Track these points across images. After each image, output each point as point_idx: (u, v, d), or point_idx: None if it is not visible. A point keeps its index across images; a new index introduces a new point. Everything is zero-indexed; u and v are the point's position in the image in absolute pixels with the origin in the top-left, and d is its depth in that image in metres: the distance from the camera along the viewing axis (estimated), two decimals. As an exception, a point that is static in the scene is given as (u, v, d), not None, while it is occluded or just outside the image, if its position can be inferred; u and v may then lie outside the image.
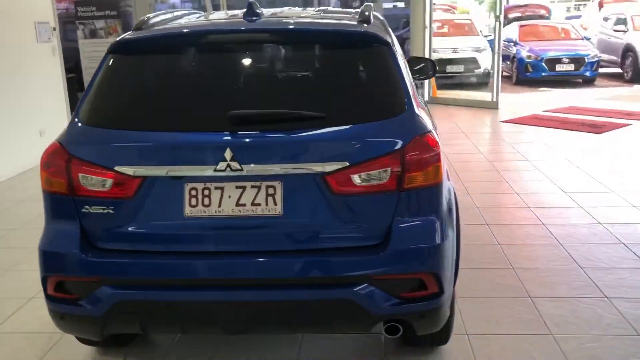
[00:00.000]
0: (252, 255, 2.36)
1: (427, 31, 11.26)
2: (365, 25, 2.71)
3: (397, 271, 2.35)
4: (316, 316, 2.41)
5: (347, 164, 2.30)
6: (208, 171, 2.30)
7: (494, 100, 10.54)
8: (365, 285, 2.34)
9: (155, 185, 2.36)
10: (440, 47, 13.34)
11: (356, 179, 2.31)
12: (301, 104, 2.44)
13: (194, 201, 2.35)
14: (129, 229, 2.39)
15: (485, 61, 13.20)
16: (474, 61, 13.50)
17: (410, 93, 2.54)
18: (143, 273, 2.38)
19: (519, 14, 19.79)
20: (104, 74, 2.58)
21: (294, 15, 2.99)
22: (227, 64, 2.58)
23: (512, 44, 14.90)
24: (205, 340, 3.14)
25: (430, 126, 2.52)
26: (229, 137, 2.31)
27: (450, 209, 2.57)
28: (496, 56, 10.45)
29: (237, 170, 2.28)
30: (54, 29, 7.75)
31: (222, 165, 2.28)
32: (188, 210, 2.35)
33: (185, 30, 2.65)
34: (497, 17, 10.33)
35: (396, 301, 2.38)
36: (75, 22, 11.84)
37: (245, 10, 2.78)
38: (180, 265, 2.36)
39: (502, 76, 14.93)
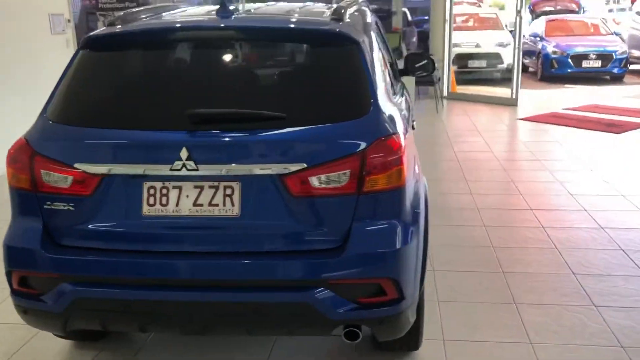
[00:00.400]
0: (209, 256, 2.34)
1: (447, 25, 11.09)
2: (337, 23, 2.65)
3: (355, 276, 2.31)
4: (272, 319, 2.38)
5: (305, 165, 2.26)
6: (164, 170, 2.28)
7: (513, 97, 10.33)
8: (322, 289, 2.29)
9: (114, 183, 2.35)
10: (463, 41, 13.13)
11: (314, 181, 2.27)
12: (264, 103, 2.41)
13: (152, 200, 2.34)
14: (89, 226, 2.39)
15: (509, 56, 12.91)
16: (497, 56, 13.22)
17: (378, 93, 2.48)
18: (101, 271, 2.38)
19: (550, 8, 19.32)
20: (71, 71, 2.58)
21: (269, 12, 2.95)
22: (191, 61, 2.56)
23: (538, 39, 14.58)
24: (177, 338, 3.15)
25: (397, 128, 2.46)
26: (185, 136, 2.29)
27: (415, 212, 2.51)
28: (516, 52, 10.23)
29: (193, 169, 2.26)
30: (68, 20, 7.85)
31: (177, 164, 2.26)
32: (146, 209, 2.34)
33: (150, 28, 2.63)
34: (517, 12, 10.10)
35: (354, 306, 2.34)
36: (96, 14, 12.00)
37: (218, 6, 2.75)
38: (137, 264, 2.35)
39: (528, 72, 14.75)
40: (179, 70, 2.51)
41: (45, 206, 2.41)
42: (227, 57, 2.63)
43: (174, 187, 2.33)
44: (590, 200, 5.21)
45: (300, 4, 3.20)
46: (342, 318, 2.34)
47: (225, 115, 2.34)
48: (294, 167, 2.26)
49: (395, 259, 2.34)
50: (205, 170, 2.27)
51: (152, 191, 2.34)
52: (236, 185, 2.30)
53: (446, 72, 11.23)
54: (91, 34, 2.64)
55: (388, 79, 3.03)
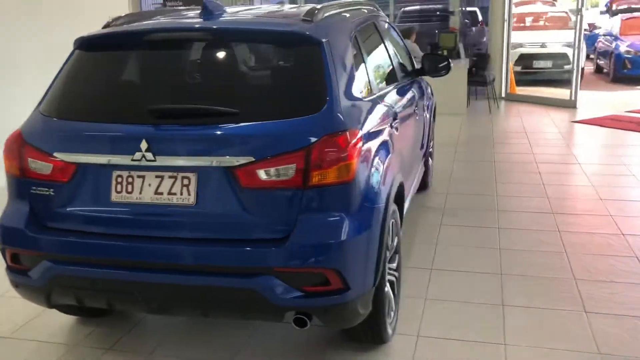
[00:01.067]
0: (167, 241, 2.52)
1: (505, 25, 10.83)
2: (305, 24, 2.76)
3: (299, 265, 2.41)
4: (223, 302, 2.53)
5: (253, 159, 2.39)
6: (126, 160, 2.48)
7: (572, 98, 9.95)
8: (268, 276, 2.42)
9: (88, 172, 2.58)
10: (528, 41, 12.75)
11: (262, 174, 2.40)
12: (222, 100, 2.56)
13: (119, 188, 2.54)
14: (67, 210, 2.63)
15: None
16: (563, 57, 12.70)
17: (337, 91, 2.57)
18: (75, 251, 2.61)
19: (624, 6, 18.34)
20: (64, 68, 2.84)
21: (248, 13, 3.09)
22: (161, 60, 2.75)
23: (612, 38, 13.91)
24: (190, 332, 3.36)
25: (353, 125, 2.54)
26: (146, 130, 2.48)
27: (369, 206, 2.57)
28: (576, 52, 9.87)
29: (151, 160, 2.45)
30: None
31: (137, 155, 2.46)
32: (114, 196, 2.55)
33: (124, 31, 2.83)
34: (578, 10, 9.72)
35: (299, 294, 2.45)
36: (164, 16, 12.58)
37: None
38: (105, 246, 2.57)
39: (602, 73, 14.09)
40: (148, 69, 2.72)
41: (32, 191, 2.67)
42: (194, 57, 2.80)
43: (139, 177, 2.53)
44: (618, 206, 5.01)
45: (290, 6, 3.33)
46: (288, 305, 2.45)
47: (181, 110, 2.52)
48: (242, 160, 2.40)
49: (339, 250, 2.43)
50: (162, 161, 2.45)
51: (119, 179, 2.55)
52: (192, 176, 2.47)
53: (504, 73, 10.96)
54: (83, 35, 2.89)
55: (370, 78, 3.10)
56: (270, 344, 3.12)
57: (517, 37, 12.72)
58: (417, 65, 4.71)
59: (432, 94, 5.46)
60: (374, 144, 2.77)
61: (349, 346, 3.05)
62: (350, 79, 2.79)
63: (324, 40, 2.68)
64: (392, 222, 3.02)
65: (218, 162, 2.42)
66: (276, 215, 2.44)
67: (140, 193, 2.52)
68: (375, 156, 2.73)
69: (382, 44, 3.78)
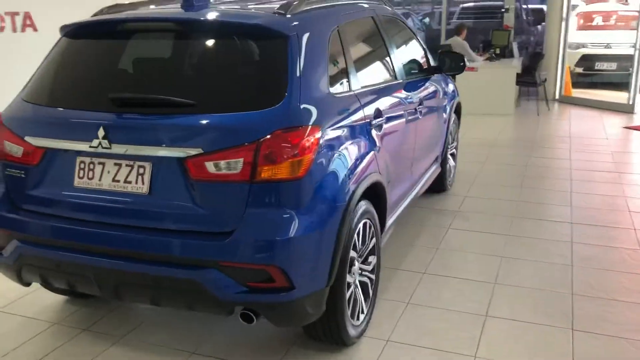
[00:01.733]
0: (120, 228, 2.55)
1: (563, 24, 10.36)
2: (276, 17, 2.72)
3: (242, 260, 2.39)
4: (169, 292, 2.55)
5: (202, 150, 2.39)
6: (85, 147, 2.54)
7: (630, 102, 9.41)
8: (212, 269, 2.41)
9: (54, 156, 2.66)
10: (592, 41, 12.15)
11: (211, 166, 2.39)
12: (182, 91, 2.57)
13: (81, 173, 2.60)
14: (34, 192, 2.72)
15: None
16: (630, 59, 12.03)
17: (296, 87, 2.52)
18: (38, 232, 2.69)
19: None
20: (48, 55, 2.93)
21: (226, 5, 3.06)
22: (129, 50, 2.78)
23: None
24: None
25: (312, 121, 2.49)
26: (105, 117, 2.53)
27: (323, 205, 2.52)
28: (637, 53, 9.30)
29: (107, 148, 2.49)
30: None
31: (95, 142, 2.51)
32: (77, 181, 2.62)
33: (100, 19, 2.88)
34: (640, 10, 9.17)
35: (244, 289, 2.43)
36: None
37: None
38: (65, 229, 2.63)
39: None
40: (116, 57, 2.76)
41: (6, 172, 2.78)
42: (161, 47, 2.81)
43: (99, 163, 2.57)
44: (646, 220, 4.70)
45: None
46: (231, 300, 2.44)
47: (138, 99, 2.54)
48: (192, 152, 2.40)
49: (283, 248, 2.38)
50: (116, 149, 2.49)
51: (82, 165, 2.61)
52: (147, 166, 2.49)
53: (559, 74, 10.50)
54: (66, 24, 2.97)
55: (350, 74, 3.02)
56: (235, 335, 3.12)
57: (580, 36, 12.16)
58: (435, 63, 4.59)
59: (455, 93, 5.29)
60: (340, 141, 2.70)
61: (314, 345, 3.01)
62: (321, 74, 2.73)
63: (291, 34, 2.64)
64: (364, 223, 2.94)
65: (169, 153, 2.43)
66: (224, 209, 2.43)
67: (100, 180, 2.57)
68: (339, 153, 2.66)
69: (381, 40, 3.68)
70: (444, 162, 5.15)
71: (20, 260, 2.74)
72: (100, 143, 2.50)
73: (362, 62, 3.34)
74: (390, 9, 4.24)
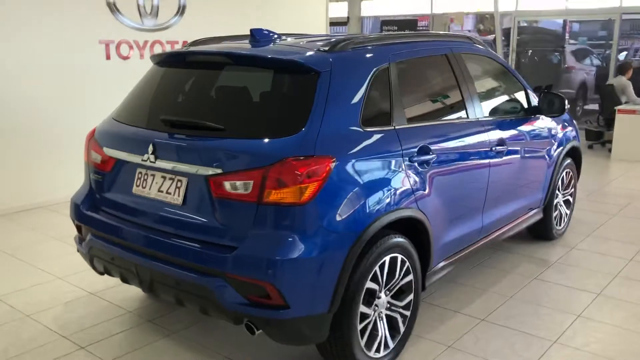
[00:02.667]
0: (157, 232, 2.90)
1: None
2: (318, 53, 2.91)
3: (243, 274, 2.59)
4: (188, 295, 2.82)
5: (222, 171, 2.65)
6: (138, 160, 2.95)
7: None
8: (220, 279, 2.65)
9: (122, 165, 3.11)
10: None
11: (227, 185, 2.64)
12: (217, 116, 2.88)
13: (138, 182, 3.02)
14: (106, 194, 3.20)
15: None
16: None
17: (317, 119, 2.68)
18: (103, 229, 3.16)
19: None
20: (140, 80, 3.43)
21: (283, 42, 3.28)
22: (187, 78, 3.15)
23: None
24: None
25: (327, 152, 2.63)
26: (155, 135, 2.92)
27: (326, 231, 2.61)
28: None
29: (152, 162, 2.87)
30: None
31: (145, 157, 2.90)
32: (134, 189, 3.04)
33: (172, 51, 3.29)
34: None
35: (245, 302, 2.63)
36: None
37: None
38: (119, 228, 3.06)
39: None
40: (177, 84, 3.14)
41: (92, 176, 3.31)
42: (212, 77, 3.13)
43: (151, 175, 2.97)
44: None
45: (337, 36, 3.45)
46: (234, 310, 2.65)
47: (178, 122, 2.90)
48: (214, 171, 2.67)
49: (277, 267, 2.54)
50: (160, 163, 2.85)
51: (140, 175, 3.02)
52: (184, 180, 2.82)
53: None
54: (155, 54, 3.46)
55: (395, 110, 3.08)
56: (270, 348, 3.30)
57: None
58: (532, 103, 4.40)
59: (570, 137, 4.96)
60: (361, 173, 2.78)
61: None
62: (351, 110, 2.85)
63: (323, 70, 2.80)
64: (394, 257, 2.98)
65: (199, 171, 2.73)
66: (235, 225, 2.66)
67: (150, 189, 2.96)
68: (357, 184, 2.74)
69: (453, 78, 3.65)
70: (548, 209, 4.85)
71: (91, 251, 3.23)
72: (148, 158, 2.89)
73: (416, 99, 3.38)
74: (481, 47, 4.18)
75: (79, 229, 3.41)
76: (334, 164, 2.66)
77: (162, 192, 2.90)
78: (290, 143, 2.63)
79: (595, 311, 3.80)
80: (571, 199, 5.32)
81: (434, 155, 3.25)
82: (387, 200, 2.91)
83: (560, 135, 4.81)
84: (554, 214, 5.00)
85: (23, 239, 5.19)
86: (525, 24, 12.78)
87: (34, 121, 6.07)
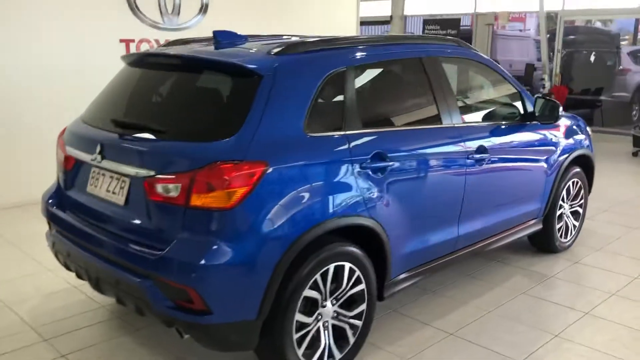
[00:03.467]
0: (102, 231, 2.95)
1: None
2: (265, 57, 2.87)
3: (168, 277, 2.59)
4: (125, 294, 2.84)
5: (153, 173, 2.66)
6: (88, 158, 3.00)
7: None
8: (150, 280, 2.66)
9: (80, 165, 3.18)
10: None
11: (159, 188, 2.65)
12: (162, 119, 2.90)
13: (92, 181, 3.08)
14: (67, 192, 3.28)
15: None
16: None
17: (254, 123, 2.64)
18: (62, 225, 3.23)
19: None
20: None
21: (239, 45, 3.24)
22: (142, 80, 3.17)
23: None
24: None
25: (261, 157, 2.59)
26: (103, 136, 2.97)
27: (262, 239, 2.58)
28: None
29: (99, 162, 2.91)
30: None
31: (94, 156, 2.95)
32: (88, 188, 3.10)
33: (135, 53, 3.32)
34: None
35: (172, 305, 2.63)
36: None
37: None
38: (73, 226, 3.13)
39: None
40: (133, 85, 3.16)
41: (59, 175, 3.40)
42: (163, 79, 3.13)
43: (102, 175, 3.01)
44: None
45: (292, 38, 3.39)
46: (162, 312, 2.66)
47: (124, 123, 2.94)
48: (148, 173, 2.68)
49: (200, 272, 2.52)
50: (105, 163, 2.90)
51: (93, 174, 3.08)
52: (127, 181, 2.85)
53: None
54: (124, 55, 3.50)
55: (348, 115, 3.00)
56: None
57: None
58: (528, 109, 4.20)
59: (576, 145, 4.70)
60: (300, 179, 2.73)
61: None
62: (294, 114, 2.79)
63: (266, 74, 2.76)
64: (340, 266, 2.91)
65: (136, 172, 2.75)
66: (166, 227, 2.67)
67: (100, 188, 3.00)
68: (295, 190, 2.69)
69: (426, 82, 3.50)
70: (548, 220, 4.61)
71: (54, 246, 3.32)
72: (96, 157, 2.94)
73: (377, 105, 3.28)
74: (470, 51, 3.99)
75: (49, 224, 3.51)
76: (266, 170, 2.61)
77: (109, 191, 2.94)
78: (222, 147, 2.61)
79: (576, 332, 3.58)
80: (580, 210, 5.03)
81: (392, 163, 3.14)
82: (329, 208, 2.84)
83: (563, 142, 4.56)
84: (558, 226, 4.75)
85: (31, 231, 5.40)
86: (579, 24, 12.25)
87: (55, 119, 6.29)
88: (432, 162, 3.41)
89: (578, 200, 4.96)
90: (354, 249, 2.99)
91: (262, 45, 3.10)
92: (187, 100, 2.94)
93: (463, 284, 4.24)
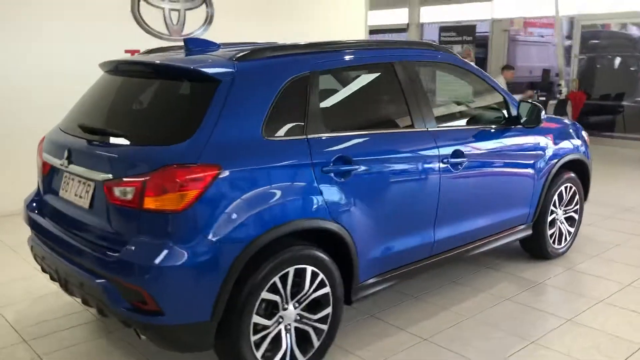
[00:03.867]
0: (70, 233, 3.02)
1: None
2: (226, 62, 2.92)
3: (122, 278, 2.65)
4: (88, 295, 2.90)
5: (111, 177, 2.73)
6: (57, 163, 3.08)
7: None
8: (107, 281, 2.72)
9: (54, 170, 3.27)
10: None
11: (116, 191, 2.71)
12: (124, 124, 2.96)
13: (64, 185, 3.16)
14: (44, 197, 3.38)
15: None
16: None
17: (208, 128, 2.68)
18: (38, 229, 3.32)
19: None
20: None
21: (208, 52, 3.28)
22: (112, 86, 3.24)
23: None
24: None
25: (213, 161, 2.63)
26: (70, 141, 3.05)
27: (214, 242, 2.61)
28: None
29: (66, 167, 3.00)
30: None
31: (62, 161, 3.04)
32: (61, 192, 3.18)
33: (108, 60, 3.37)
34: None
35: (129, 306, 2.68)
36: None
37: None
38: (46, 230, 3.21)
39: None
40: (106, 92, 3.23)
41: (38, 179, 3.50)
42: (130, 86, 3.19)
43: (71, 179, 3.10)
44: None
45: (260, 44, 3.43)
46: (120, 313, 2.71)
47: (89, 129, 3.01)
48: (105, 177, 2.75)
49: (151, 273, 2.57)
50: (72, 168, 2.98)
51: (65, 179, 3.17)
52: (92, 185, 2.92)
53: None
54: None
55: (310, 120, 3.02)
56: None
57: None
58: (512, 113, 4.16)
59: (567, 150, 4.62)
60: (256, 182, 2.76)
61: None
62: (252, 119, 2.83)
63: (224, 79, 2.80)
64: (302, 269, 2.93)
65: (98, 176, 2.82)
66: (123, 230, 2.73)
67: (69, 192, 3.09)
68: (249, 193, 2.72)
69: (397, 87, 3.48)
70: (539, 226, 4.53)
71: (32, 250, 3.42)
72: (64, 162, 3.02)
73: (343, 109, 3.29)
74: (447, 54, 3.96)
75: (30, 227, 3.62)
76: (219, 173, 2.65)
77: (77, 196, 3.02)
78: (175, 151, 2.66)
79: (554, 338, 3.51)
80: (576, 216, 4.93)
81: (357, 166, 3.15)
82: (286, 211, 2.86)
83: (553, 147, 4.49)
84: (550, 232, 4.67)
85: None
86: (599, 28, 12.02)
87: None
88: (402, 167, 3.40)
89: (572, 206, 4.87)
90: (316, 252, 3.00)
91: (229, 52, 3.15)
92: (148, 106, 3.01)
93: (447, 290, 4.20)
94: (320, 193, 2.99)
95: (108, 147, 2.88)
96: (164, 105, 2.97)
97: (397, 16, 13.70)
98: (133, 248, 2.65)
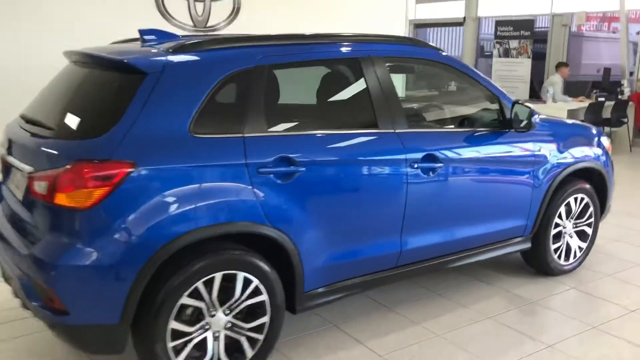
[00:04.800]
0: (14, 226, 2.98)
1: None
2: (160, 53, 2.79)
3: (31, 274, 2.60)
4: (14, 286, 2.86)
5: (32, 170, 2.67)
6: (3, 154, 3.07)
7: None
8: (24, 277, 2.67)
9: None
10: None
11: (35, 185, 2.65)
12: (56, 116, 2.89)
13: (12, 176, 3.13)
14: (2, 185, 3.37)
15: None
16: None
17: (126, 122, 2.57)
18: None
19: None
20: None
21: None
22: (63, 76, 3.16)
23: None
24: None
25: (120, 156, 2.52)
26: (13, 131, 3.02)
27: (121, 242, 2.51)
28: None
29: (6, 157, 2.97)
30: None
31: (3, 152, 3.02)
32: (8, 182, 3.17)
33: (69, 50, 3.28)
34: None
35: (41, 303, 2.62)
36: (493, 41, 12.37)
37: None
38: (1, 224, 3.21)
39: None
40: (57, 83, 3.14)
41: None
42: (73, 76, 3.08)
43: (14, 170, 3.07)
44: None
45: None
46: (33, 309, 2.66)
47: (27, 119, 2.98)
48: (29, 169, 2.70)
49: (55, 271, 2.49)
50: (10, 159, 2.95)
51: (12, 169, 3.15)
52: (25, 176, 2.88)
53: None
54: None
55: (248, 117, 2.84)
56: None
57: None
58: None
59: (578, 155, 4.20)
60: (175, 180, 2.62)
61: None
62: (180, 115, 2.69)
63: (152, 72, 2.68)
64: (232, 275, 2.78)
65: (24, 168, 2.77)
66: (38, 225, 2.67)
67: (13, 184, 3.05)
68: (167, 192, 2.59)
69: (363, 84, 3.22)
70: (539, 239, 4.15)
71: None
72: (4, 153, 3.00)
73: (291, 107, 3.09)
74: (432, 50, 3.66)
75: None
76: (132, 170, 2.53)
77: (16, 187, 2.99)
78: (89, 145, 2.57)
79: (527, 365, 3.19)
80: (589, 230, 4.48)
81: (302, 168, 2.94)
82: (211, 214, 2.71)
83: (558, 153, 4.07)
84: (555, 246, 4.27)
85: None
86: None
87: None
88: (357, 170, 3.16)
89: (585, 219, 4.43)
90: (250, 258, 2.84)
91: (172, 44, 3.02)
92: (79, 98, 2.93)
93: (427, 303, 3.92)
94: (255, 195, 2.81)
95: (36, 138, 2.83)
96: (92, 97, 2.88)
97: (453, 9, 13.16)
98: (43, 244, 2.59)
